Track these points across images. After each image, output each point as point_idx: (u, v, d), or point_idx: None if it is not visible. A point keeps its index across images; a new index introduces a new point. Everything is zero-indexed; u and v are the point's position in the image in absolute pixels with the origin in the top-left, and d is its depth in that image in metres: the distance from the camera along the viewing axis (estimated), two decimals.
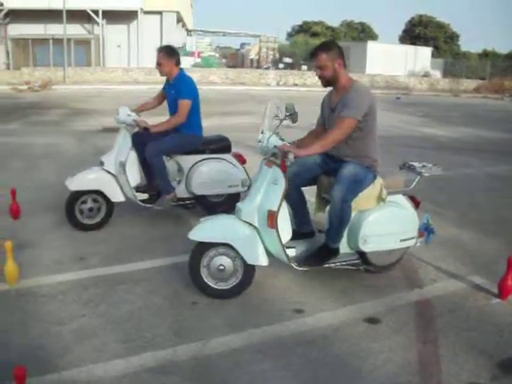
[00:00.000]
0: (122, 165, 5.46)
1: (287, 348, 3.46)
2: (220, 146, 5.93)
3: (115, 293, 4.17)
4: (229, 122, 13.81)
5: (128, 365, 3.22)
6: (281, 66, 42.12)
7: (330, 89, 4.40)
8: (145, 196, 5.76)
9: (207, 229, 4.09)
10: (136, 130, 5.60)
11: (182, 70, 5.70)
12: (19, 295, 4.10)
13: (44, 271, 4.55)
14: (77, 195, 5.48)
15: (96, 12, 32.10)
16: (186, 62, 37.56)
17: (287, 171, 4.15)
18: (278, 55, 47.37)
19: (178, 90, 5.57)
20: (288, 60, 45.68)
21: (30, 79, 27.05)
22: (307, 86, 29.40)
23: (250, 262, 4.01)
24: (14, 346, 3.39)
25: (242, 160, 6.00)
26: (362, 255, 4.36)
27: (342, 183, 4.05)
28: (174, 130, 5.61)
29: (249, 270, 4.09)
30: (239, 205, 4.09)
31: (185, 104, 5.50)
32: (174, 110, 5.66)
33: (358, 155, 4.20)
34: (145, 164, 5.67)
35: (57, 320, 3.72)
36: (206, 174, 5.71)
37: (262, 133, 4.09)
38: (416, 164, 4.72)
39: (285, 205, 3.97)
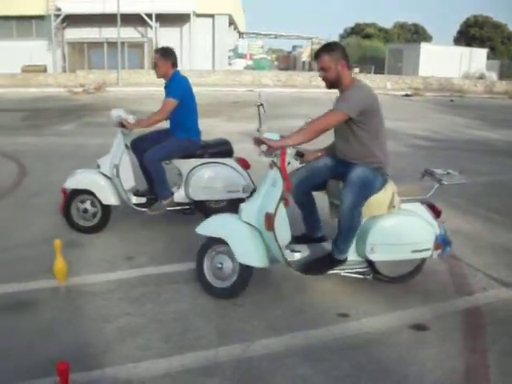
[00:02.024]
0: (116, 168, 5.44)
1: (330, 352, 3.42)
2: (220, 150, 5.77)
3: (161, 292, 4.20)
4: (280, 124, 13.76)
5: (170, 365, 3.24)
6: None
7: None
8: (143, 200, 5.69)
9: (210, 224, 4.16)
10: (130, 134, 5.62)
11: (177, 71, 5.63)
12: (68, 292, 4.20)
13: (92, 269, 4.64)
14: (72, 195, 5.50)
15: (149, 15, 32.62)
16: (237, 65, 37.84)
17: (296, 175, 4.17)
18: None
19: (167, 89, 5.53)
20: None
21: (85, 82, 27.69)
22: None
23: (240, 260, 3.96)
24: (60, 342, 3.46)
25: (245, 165, 5.78)
26: (370, 263, 4.22)
27: (351, 187, 3.92)
28: (169, 133, 5.60)
29: (244, 271, 4.04)
30: (242, 205, 4.08)
31: (167, 102, 5.41)
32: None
33: (364, 156, 4.05)
34: (145, 169, 5.65)
35: (103, 317, 3.79)
36: (204, 178, 5.59)
37: (258, 131, 4.06)
38: (438, 171, 4.44)
39: (282, 207, 3.88)
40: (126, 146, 5.62)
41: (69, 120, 14.52)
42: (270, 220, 3.81)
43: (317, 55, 4.07)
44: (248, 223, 3.99)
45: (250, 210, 3.99)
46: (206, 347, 3.43)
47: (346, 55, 4.07)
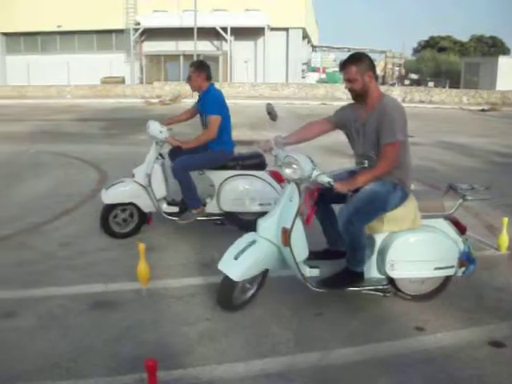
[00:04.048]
0: (148, 177, 5.64)
1: (406, 365, 3.41)
2: (253, 162, 5.78)
3: None
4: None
5: (248, 368, 3.33)
6: (407, 82, 41.27)
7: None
8: (175, 209, 5.84)
9: (243, 265, 3.85)
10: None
11: (212, 84, 5.73)
12: (150, 295, 4.37)
13: (172, 274, 4.81)
14: (111, 207, 5.72)
15: (225, 29, 33.28)
16: (310, 78, 37.89)
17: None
18: (403, 71, 46.54)
19: (205, 105, 5.63)
20: (414, 76, 44.73)
21: (161, 93, 28.50)
22: (434, 103, 28.45)
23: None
24: (143, 341, 3.62)
25: (278, 178, 5.63)
26: (391, 281, 4.11)
27: (351, 204, 3.85)
28: (204, 146, 5.66)
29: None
30: (259, 220, 4.01)
31: (214, 119, 5.51)
32: (203, 124, 5.73)
33: None
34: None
35: (184, 321, 3.92)
36: (235, 190, 5.65)
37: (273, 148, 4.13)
38: (463, 186, 4.26)
39: (299, 222, 3.81)
40: (161, 155, 5.89)
41: (143, 130, 14.90)
42: (286, 235, 3.77)
43: (343, 66, 4.00)
44: (266, 239, 3.94)
45: (268, 225, 3.95)
46: (283, 353, 3.50)
47: (373, 66, 4.01)
